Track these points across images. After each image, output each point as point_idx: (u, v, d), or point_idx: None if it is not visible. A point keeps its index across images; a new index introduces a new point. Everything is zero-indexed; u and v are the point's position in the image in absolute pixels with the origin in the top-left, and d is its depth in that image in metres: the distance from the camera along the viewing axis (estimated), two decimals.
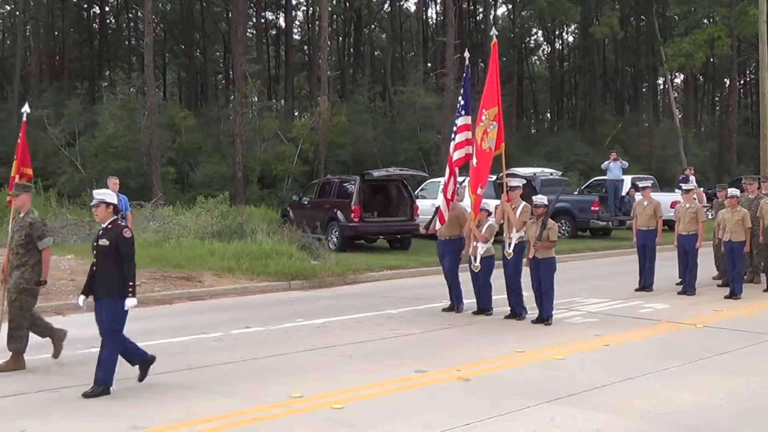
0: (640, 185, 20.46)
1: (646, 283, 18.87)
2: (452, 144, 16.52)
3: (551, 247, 14.62)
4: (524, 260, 15.10)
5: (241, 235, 24.71)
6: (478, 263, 15.41)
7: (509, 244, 15.07)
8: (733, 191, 18.86)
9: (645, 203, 19.24)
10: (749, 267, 19.85)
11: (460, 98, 16.94)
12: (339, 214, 26.88)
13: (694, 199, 22.60)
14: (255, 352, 12.28)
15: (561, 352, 12.17)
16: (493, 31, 17.31)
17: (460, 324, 14.70)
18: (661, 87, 71.96)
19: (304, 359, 11.85)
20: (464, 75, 17.48)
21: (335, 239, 26.89)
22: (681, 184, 22.05)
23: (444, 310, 16.30)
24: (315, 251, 23.57)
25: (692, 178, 33.20)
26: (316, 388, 10.04)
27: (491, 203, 16.20)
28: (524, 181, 16.34)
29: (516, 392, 9.86)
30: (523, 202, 15.23)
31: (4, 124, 46.08)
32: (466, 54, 18.04)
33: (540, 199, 14.89)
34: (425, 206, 28.90)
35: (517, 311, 15.28)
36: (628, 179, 32.21)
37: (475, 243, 15.46)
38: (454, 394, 9.89)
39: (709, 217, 24.12)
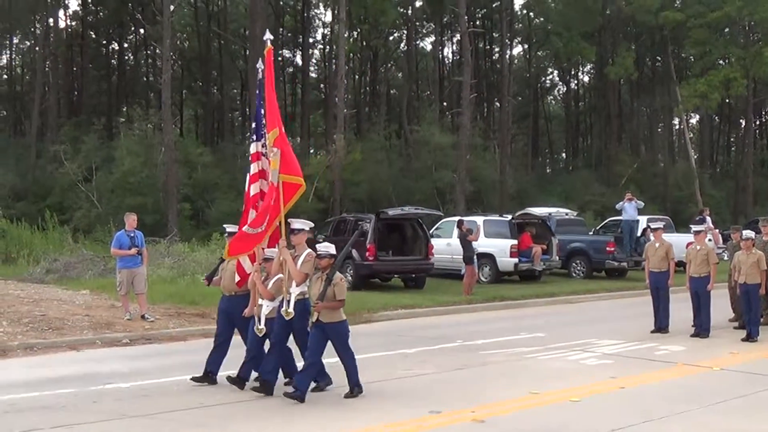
0: (652, 226, 20.35)
1: (660, 325, 18.71)
2: (247, 176, 13.41)
3: (338, 308, 11.89)
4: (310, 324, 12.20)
5: None
6: (262, 326, 12.21)
7: (288, 302, 11.91)
8: (747, 233, 18.71)
9: (657, 245, 19.09)
10: (765, 309, 19.67)
11: (253, 123, 13.93)
12: (354, 252, 26.81)
13: (709, 240, 22.54)
14: None
15: (576, 394, 12.08)
16: (267, 35, 13.39)
17: (475, 365, 14.61)
18: (677, 127, 71.76)
19: (317, 398, 11.79)
20: (257, 92, 14.09)
21: (350, 277, 26.79)
22: (691, 226, 22.00)
23: (230, 378, 12.62)
24: None
25: (708, 219, 33.09)
26: (331, 428, 10.02)
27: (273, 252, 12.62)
28: (311, 224, 13.05)
29: None
30: (308, 250, 12.27)
31: (23, 159, 46.43)
32: (259, 65, 13.39)
33: (325, 247, 12.13)
34: (440, 245, 28.93)
35: (322, 377, 12.38)
36: (643, 220, 32.09)
37: (260, 301, 12.40)
38: None
39: (724, 258, 23.98)
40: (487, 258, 28.94)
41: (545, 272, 30.44)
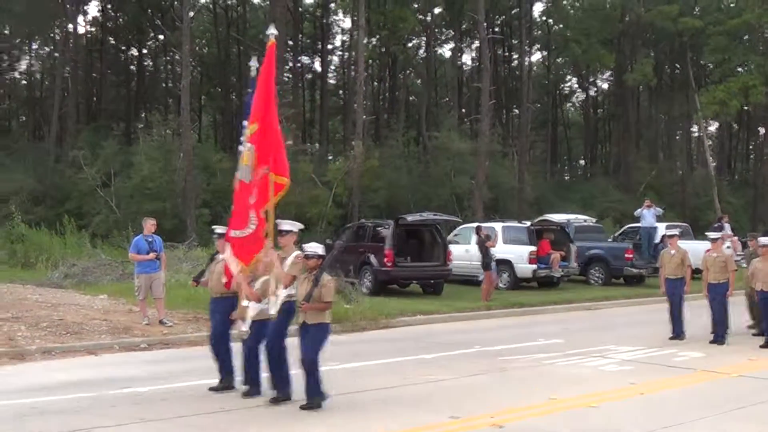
0: (668, 234, 20.40)
1: (677, 332, 18.71)
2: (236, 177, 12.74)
3: (325, 310, 11.47)
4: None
5: None
6: (247, 328, 11.96)
7: (275, 304, 11.72)
8: (765, 240, 18.47)
9: (672, 252, 19.10)
10: None
11: (244, 121, 13.09)
12: (372, 258, 26.83)
13: (728, 247, 22.42)
14: None
15: (595, 399, 12.05)
16: (271, 30, 12.89)
17: (494, 370, 14.57)
18: (696, 135, 71.59)
19: (336, 403, 11.76)
20: (248, 90, 13.33)
21: (368, 283, 26.81)
22: (707, 233, 21.87)
23: (211, 389, 12.67)
24: (348, 295, 23.48)
25: (727, 226, 32.94)
26: None
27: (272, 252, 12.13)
28: (300, 225, 12.63)
29: None
30: (296, 251, 11.93)
31: (42, 164, 46.58)
32: (253, 63, 13.34)
33: (312, 247, 11.67)
34: (458, 251, 28.91)
35: (281, 387, 11.81)
36: (662, 227, 31.95)
37: (245, 302, 12.11)
38: None
39: (743, 266, 23.79)
40: (506, 264, 28.88)
41: (564, 279, 30.38)
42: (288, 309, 11.69)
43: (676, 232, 20.32)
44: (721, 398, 12.30)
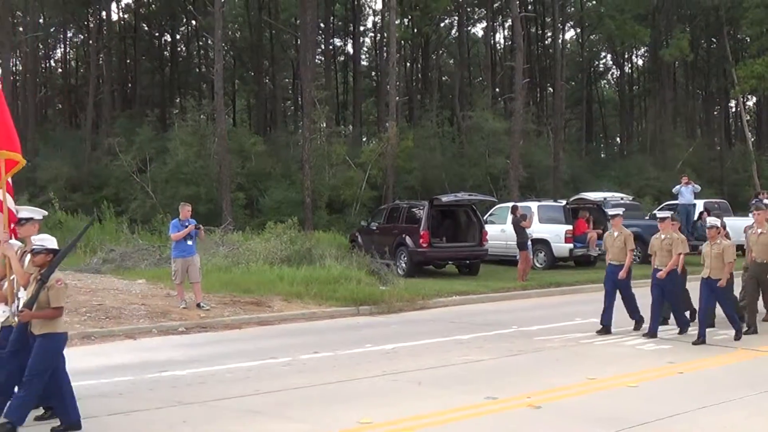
0: (610, 213, 18.51)
1: (604, 323, 16.71)
2: None
3: (54, 318, 9.25)
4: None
5: (310, 260, 24.77)
6: None
7: (16, 308, 9.54)
8: (712, 220, 16.22)
9: (615, 234, 17.18)
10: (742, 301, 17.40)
11: None
12: (408, 239, 26.82)
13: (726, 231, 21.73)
14: (324, 378, 12.23)
15: (634, 379, 11.95)
16: None
17: (531, 351, 14.51)
18: (733, 110, 70.92)
19: (373, 385, 11.78)
20: None
21: (404, 264, 26.83)
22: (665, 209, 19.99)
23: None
24: (383, 277, 23.52)
25: (766, 201, 32.58)
26: (386, 414, 9.96)
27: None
28: (43, 212, 10.65)
29: (588, 420, 9.70)
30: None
31: (78, 151, 46.95)
32: None
33: (40, 240, 9.49)
34: (494, 231, 28.82)
35: (9, 411, 9.23)
36: (700, 203, 31.65)
37: None
38: (525, 422, 9.77)
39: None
40: (542, 244, 28.79)
41: (600, 257, 30.16)
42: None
43: (619, 211, 18.14)
44: (761, 377, 12.17)
